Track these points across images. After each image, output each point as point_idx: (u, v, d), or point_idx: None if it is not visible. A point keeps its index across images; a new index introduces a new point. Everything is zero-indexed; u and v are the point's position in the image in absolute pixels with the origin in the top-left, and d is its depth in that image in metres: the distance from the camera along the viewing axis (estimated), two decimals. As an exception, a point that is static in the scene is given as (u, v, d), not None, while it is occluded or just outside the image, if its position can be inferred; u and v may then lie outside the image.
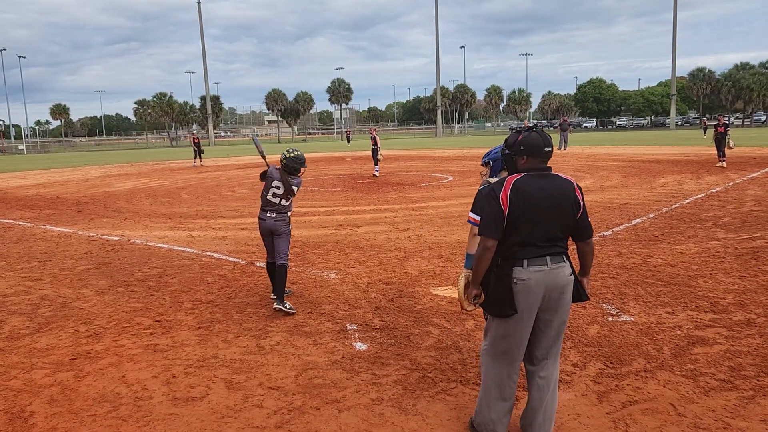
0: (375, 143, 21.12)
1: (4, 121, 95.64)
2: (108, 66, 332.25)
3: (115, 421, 3.90)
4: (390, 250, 8.71)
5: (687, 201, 12.49)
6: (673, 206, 11.87)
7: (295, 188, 6.21)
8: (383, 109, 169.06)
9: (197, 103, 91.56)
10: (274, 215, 6.15)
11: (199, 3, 79.09)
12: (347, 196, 15.87)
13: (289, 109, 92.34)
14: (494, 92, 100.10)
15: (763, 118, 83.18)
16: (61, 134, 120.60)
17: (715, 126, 20.51)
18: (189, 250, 9.29)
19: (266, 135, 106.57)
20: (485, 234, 3.22)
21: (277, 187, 6.13)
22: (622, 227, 9.86)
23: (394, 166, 25.92)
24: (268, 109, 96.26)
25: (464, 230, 10.02)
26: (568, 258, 3.29)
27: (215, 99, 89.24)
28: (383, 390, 4.21)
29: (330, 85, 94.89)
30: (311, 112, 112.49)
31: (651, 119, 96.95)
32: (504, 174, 3.80)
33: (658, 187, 15.24)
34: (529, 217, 3.16)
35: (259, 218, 6.24)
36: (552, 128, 67.91)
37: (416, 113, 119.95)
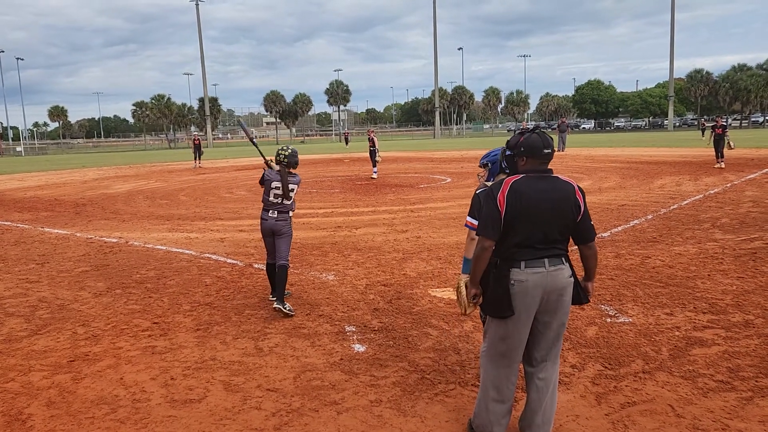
0: (373, 145, 21.08)
1: (1, 123, 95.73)
2: (106, 68, 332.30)
3: (114, 423, 3.89)
4: (388, 252, 8.71)
5: (685, 202, 12.51)
6: (671, 207, 11.88)
7: (293, 186, 6.18)
8: (381, 111, 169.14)
9: (195, 105, 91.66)
10: (275, 215, 6.14)
11: (197, 5, 79.13)
12: (345, 197, 15.87)
13: (288, 110, 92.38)
14: (492, 94, 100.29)
15: (761, 119, 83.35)
16: (59, 136, 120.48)
17: (713, 127, 20.56)
18: (187, 251, 9.28)
19: (264, 137, 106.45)
20: (482, 234, 3.22)
21: (277, 188, 6.13)
22: (620, 228, 9.87)
23: (392, 168, 25.93)
24: (267, 111, 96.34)
25: (462, 232, 10.02)
26: (567, 260, 3.29)
27: (213, 101, 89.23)
28: (382, 392, 4.21)
29: (328, 87, 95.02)
30: (309, 113, 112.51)
31: (649, 121, 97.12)
32: (501, 177, 3.81)
33: (656, 188, 15.26)
34: (527, 219, 3.15)
35: (261, 218, 6.24)
36: (550, 129, 67.95)
37: (414, 115, 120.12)
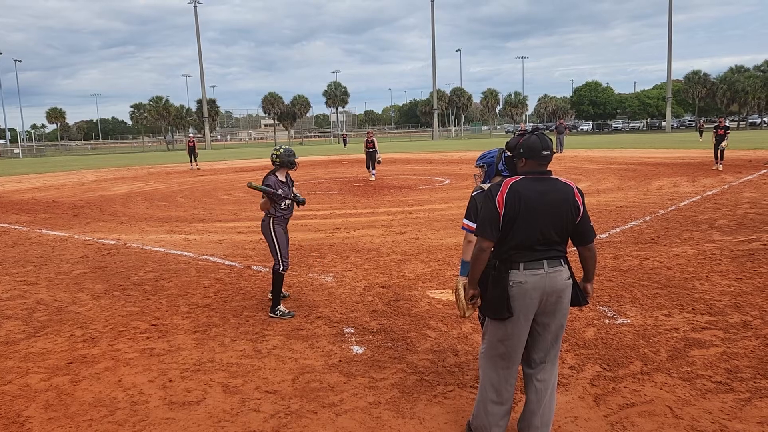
0: (373, 146, 20.99)
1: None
2: (104, 69, 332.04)
3: (112, 425, 3.88)
4: (387, 253, 8.71)
5: (683, 203, 12.53)
6: (669, 209, 11.90)
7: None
8: (380, 113, 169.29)
9: (194, 107, 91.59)
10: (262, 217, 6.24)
11: (195, 7, 79.13)
12: (344, 199, 15.87)
13: (286, 112, 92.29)
14: (491, 95, 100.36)
15: (758, 120, 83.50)
16: (57, 138, 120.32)
17: (715, 128, 20.44)
18: (185, 253, 9.27)
19: (262, 139, 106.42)
20: (481, 235, 3.22)
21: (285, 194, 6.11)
22: (618, 230, 9.88)
23: (390, 169, 25.93)
24: (265, 113, 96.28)
25: (461, 233, 10.00)
26: (566, 262, 3.29)
27: (212, 103, 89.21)
28: (380, 393, 4.21)
29: (326, 89, 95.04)
30: (308, 115, 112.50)
31: (647, 122, 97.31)
32: (497, 179, 3.82)
33: (654, 189, 15.28)
34: (526, 220, 3.15)
35: (283, 228, 6.13)
36: (549, 131, 67.82)
37: (413, 116, 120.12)
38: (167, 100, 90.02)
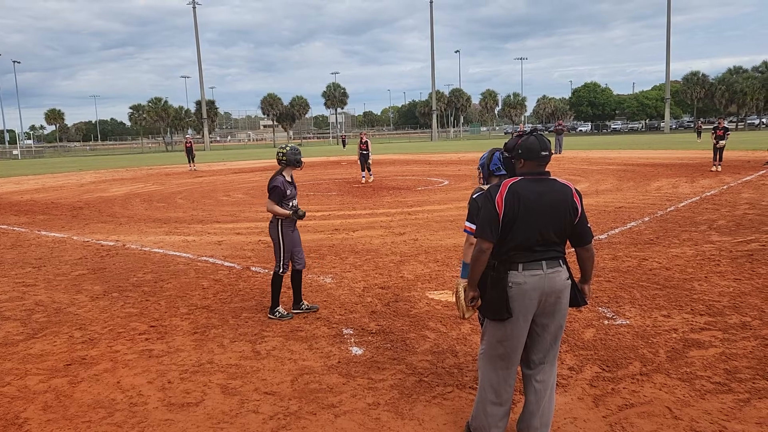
0: (366, 148, 20.79)
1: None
2: (103, 71, 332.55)
3: (111, 427, 3.88)
4: (386, 255, 8.71)
5: (682, 204, 12.54)
6: (668, 209, 11.91)
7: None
8: (379, 114, 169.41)
9: (193, 108, 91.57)
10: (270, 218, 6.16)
11: (194, 8, 79.14)
12: (343, 200, 15.86)
13: (285, 113, 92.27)
14: (489, 96, 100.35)
15: (756, 121, 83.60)
16: (55, 139, 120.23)
17: (715, 128, 20.43)
18: (184, 255, 9.27)
19: (261, 140, 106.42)
20: (480, 236, 3.22)
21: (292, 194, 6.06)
22: (617, 231, 9.88)
23: (389, 171, 25.94)
24: (264, 114, 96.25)
25: (460, 234, 10.02)
26: (565, 262, 3.29)
27: (211, 104, 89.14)
28: (379, 394, 4.21)
29: (325, 90, 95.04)
30: (307, 116, 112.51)
31: (645, 123, 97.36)
32: (494, 181, 3.82)
33: (652, 190, 15.29)
34: (525, 221, 3.16)
35: (292, 229, 6.06)
36: (548, 132, 67.74)
37: (412, 117, 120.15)
38: (166, 101, 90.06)
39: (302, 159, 6.18)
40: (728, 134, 19.95)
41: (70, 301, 6.88)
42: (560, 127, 34.82)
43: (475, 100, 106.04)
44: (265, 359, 4.93)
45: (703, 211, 11.55)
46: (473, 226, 3.72)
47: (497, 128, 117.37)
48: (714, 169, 19.53)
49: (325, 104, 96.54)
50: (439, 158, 35.03)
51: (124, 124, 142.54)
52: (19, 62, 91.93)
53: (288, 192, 5.95)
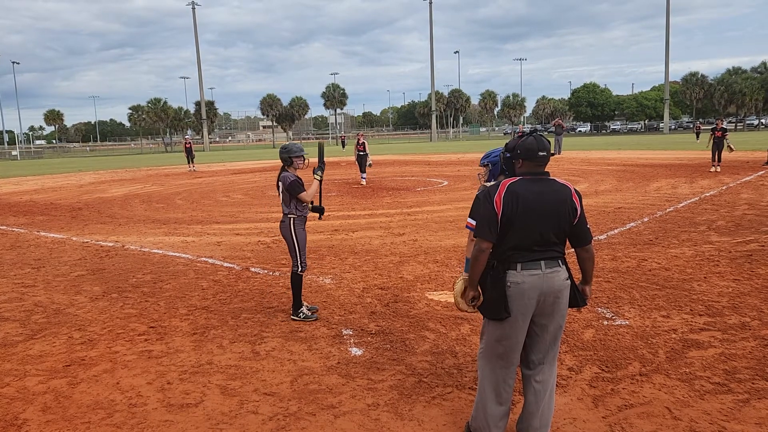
0: (363, 149, 20.69)
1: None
2: (103, 71, 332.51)
3: (110, 428, 3.88)
4: (385, 255, 8.71)
5: (681, 205, 12.54)
6: (668, 210, 11.91)
7: (280, 184, 5.94)
8: (378, 114, 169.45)
9: (192, 109, 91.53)
10: (281, 218, 6.06)
11: (193, 8, 79.13)
12: (342, 200, 15.86)
13: (284, 114, 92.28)
14: (489, 97, 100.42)
15: (756, 122, 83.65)
16: (55, 140, 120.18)
17: (713, 130, 20.47)
18: (184, 255, 9.26)
19: (261, 140, 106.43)
20: (479, 236, 3.24)
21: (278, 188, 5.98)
22: (616, 231, 9.88)
23: (389, 171, 25.94)
24: (263, 115, 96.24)
25: (459, 235, 10.03)
26: (564, 263, 3.30)
27: (210, 104, 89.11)
28: (379, 395, 4.20)
29: (325, 90, 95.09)
30: (306, 117, 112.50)
31: (644, 123, 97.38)
32: (502, 178, 3.83)
33: (652, 191, 15.30)
34: (523, 221, 3.16)
35: (303, 228, 6.05)
36: (547, 132, 67.59)
37: (411, 118, 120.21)
38: (165, 102, 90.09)
39: (293, 157, 5.95)
40: (726, 135, 19.96)
41: (69, 302, 6.88)
42: (560, 128, 34.73)
43: (475, 100, 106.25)
44: (265, 360, 4.93)
45: (703, 211, 11.55)
46: (475, 222, 3.73)
47: (497, 129, 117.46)
48: (713, 169, 19.53)
49: (325, 105, 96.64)
50: (438, 159, 35.03)
51: (124, 125, 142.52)
52: (18, 63, 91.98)
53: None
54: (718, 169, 19.45)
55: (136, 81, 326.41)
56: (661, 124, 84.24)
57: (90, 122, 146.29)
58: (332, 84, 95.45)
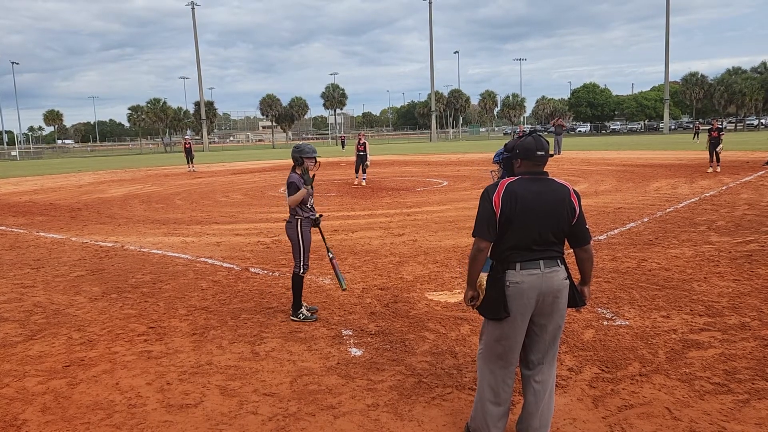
0: (364, 149, 20.67)
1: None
2: (102, 71, 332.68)
3: (109, 428, 3.87)
4: (385, 255, 8.70)
5: (681, 205, 12.54)
6: (667, 210, 11.91)
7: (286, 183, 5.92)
8: (378, 114, 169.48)
9: (192, 109, 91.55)
10: (288, 219, 6.02)
11: (192, 9, 79.16)
12: (342, 201, 15.86)
13: (284, 114, 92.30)
14: (489, 97, 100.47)
15: (756, 122, 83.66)
16: (54, 140, 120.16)
17: (709, 131, 20.46)
18: (183, 256, 9.26)
19: (260, 141, 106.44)
20: (478, 235, 3.24)
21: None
22: (616, 231, 9.88)
23: (388, 171, 25.93)
24: (263, 115, 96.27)
25: (459, 235, 10.02)
26: (563, 262, 3.30)
27: (209, 105, 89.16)
28: (379, 396, 4.20)
29: (324, 91, 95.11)
30: (306, 117, 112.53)
31: (644, 124, 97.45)
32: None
33: (652, 191, 15.30)
34: (522, 220, 3.16)
35: (309, 229, 6.02)
36: (547, 133, 67.54)
37: (411, 118, 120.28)
38: (165, 102, 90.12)
39: (304, 157, 5.90)
40: (722, 135, 19.93)
41: (68, 302, 6.87)
42: (560, 128, 34.70)
43: (474, 100, 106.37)
44: (264, 360, 4.93)
45: (703, 211, 11.55)
46: None
47: (496, 129, 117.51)
48: (710, 170, 19.49)
49: (324, 105, 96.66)
50: (438, 159, 35.03)
51: (123, 125, 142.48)
52: (17, 63, 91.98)
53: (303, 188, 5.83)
54: (718, 169, 19.42)
55: (136, 81, 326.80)
56: (661, 125, 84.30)
57: (89, 123, 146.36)
58: (332, 84, 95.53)
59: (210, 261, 8.79)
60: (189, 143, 33.42)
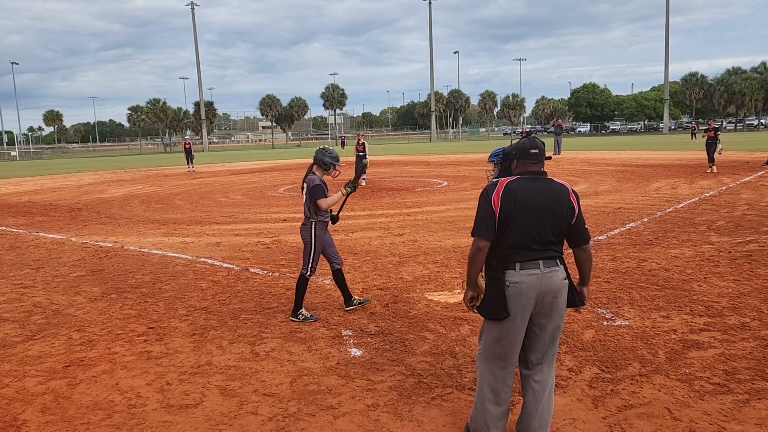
0: (363, 150, 20.64)
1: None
2: (102, 72, 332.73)
3: (109, 429, 3.87)
4: (385, 256, 8.70)
5: (681, 205, 12.54)
6: (667, 210, 11.92)
7: (304, 185, 5.94)
8: (377, 115, 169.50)
9: (191, 109, 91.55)
10: (303, 221, 6.01)
11: (192, 9, 79.17)
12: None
13: (284, 114, 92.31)
14: (488, 97, 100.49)
15: (755, 122, 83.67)
16: (54, 141, 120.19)
17: (705, 131, 20.45)
18: (183, 256, 9.25)
19: (260, 141, 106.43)
20: (477, 234, 3.25)
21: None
22: (616, 231, 9.88)
23: (388, 172, 25.93)
24: (263, 115, 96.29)
25: (459, 235, 10.02)
26: (562, 262, 3.30)
27: (209, 105, 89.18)
28: (378, 396, 4.20)
29: (324, 91, 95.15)
30: (305, 117, 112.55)
31: (644, 124, 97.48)
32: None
33: (651, 191, 15.30)
34: (521, 219, 3.17)
35: (324, 231, 6.04)
36: (546, 132, 67.69)
37: (411, 118, 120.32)
38: (165, 103, 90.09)
39: (329, 161, 6.02)
40: (719, 135, 19.91)
41: (68, 302, 6.87)
42: (559, 128, 34.71)
43: (474, 101, 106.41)
44: (264, 361, 4.93)
45: (702, 212, 11.56)
46: None
47: (496, 129, 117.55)
48: (709, 170, 19.46)
49: (324, 105, 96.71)
50: (437, 159, 35.03)
51: (123, 126, 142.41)
52: (17, 63, 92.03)
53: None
54: (715, 170, 19.39)
55: (136, 81, 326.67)
56: (661, 125, 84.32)
57: (89, 123, 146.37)
58: (332, 84, 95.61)
59: (210, 261, 8.79)
60: (189, 143, 33.42)
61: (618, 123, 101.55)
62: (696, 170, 20.30)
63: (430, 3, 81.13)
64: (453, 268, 7.77)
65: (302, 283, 5.94)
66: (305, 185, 5.93)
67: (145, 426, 3.89)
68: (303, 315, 5.91)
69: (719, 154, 19.75)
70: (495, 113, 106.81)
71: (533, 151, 3.29)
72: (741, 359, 4.58)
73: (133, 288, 7.41)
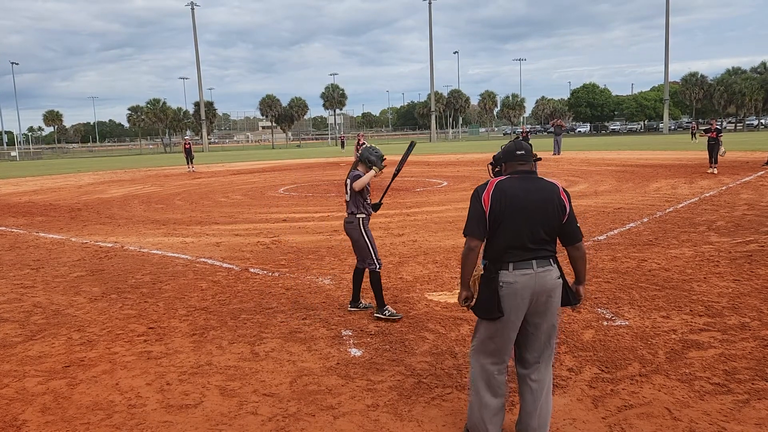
0: None
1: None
2: (102, 72, 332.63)
3: (109, 429, 3.87)
4: (385, 256, 8.70)
5: (681, 205, 12.55)
6: (667, 210, 11.92)
7: (348, 181, 5.99)
8: (377, 115, 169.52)
9: (191, 109, 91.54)
10: (347, 218, 6.08)
11: (192, 9, 79.18)
12: (342, 201, 15.80)
13: (283, 114, 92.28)
14: (488, 97, 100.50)
15: (755, 122, 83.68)
16: (54, 141, 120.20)
17: (705, 131, 20.39)
18: (183, 256, 9.26)
19: (260, 141, 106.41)
20: (468, 234, 3.28)
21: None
22: (616, 231, 9.88)
23: (387, 171, 25.87)
24: (262, 115, 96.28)
25: (459, 235, 10.02)
26: (556, 261, 3.31)
27: (209, 105, 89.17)
28: (378, 396, 4.20)
29: (324, 91, 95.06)
30: (305, 117, 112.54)
31: (644, 124, 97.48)
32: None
33: (651, 191, 15.30)
34: (512, 219, 3.19)
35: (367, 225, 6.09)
36: (546, 133, 67.70)
37: (410, 118, 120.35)
38: (165, 103, 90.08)
39: (375, 159, 6.06)
40: (720, 136, 19.83)
41: (68, 302, 6.87)
42: (559, 128, 34.68)
43: (474, 101, 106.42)
44: (264, 361, 4.93)
45: (702, 212, 11.56)
46: None
47: (496, 129, 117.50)
48: (710, 171, 19.45)
49: (324, 105, 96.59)
50: (437, 159, 35.03)
51: (123, 126, 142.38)
52: (17, 63, 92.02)
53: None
54: (715, 171, 19.35)
55: (136, 81, 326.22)
56: (661, 125, 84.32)
57: (89, 123, 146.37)
58: (332, 84, 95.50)
59: (210, 261, 8.79)
60: (189, 143, 33.42)
61: (618, 123, 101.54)
62: (696, 170, 20.30)
63: (430, 3, 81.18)
64: (453, 268, 7.77)
65: (376, 279, 5.88)
66: (348, 181, 5.99)
67: (145, 426, 3.89)
68: (389, 311, 5.85)
69: (722, 156, 19.62)
70: (495, 113, 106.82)
71: (519, 152, 3.35)
72: (741, 359, 4.58)
73: (133, 288, 7.41)
